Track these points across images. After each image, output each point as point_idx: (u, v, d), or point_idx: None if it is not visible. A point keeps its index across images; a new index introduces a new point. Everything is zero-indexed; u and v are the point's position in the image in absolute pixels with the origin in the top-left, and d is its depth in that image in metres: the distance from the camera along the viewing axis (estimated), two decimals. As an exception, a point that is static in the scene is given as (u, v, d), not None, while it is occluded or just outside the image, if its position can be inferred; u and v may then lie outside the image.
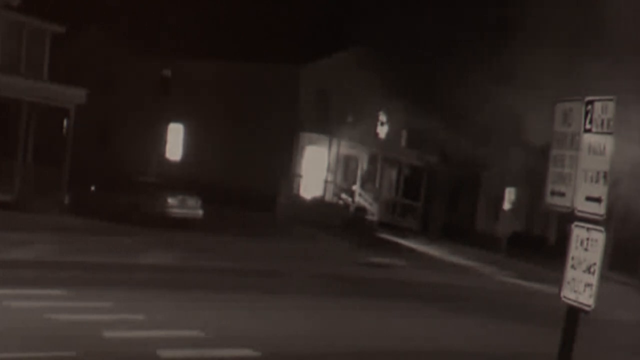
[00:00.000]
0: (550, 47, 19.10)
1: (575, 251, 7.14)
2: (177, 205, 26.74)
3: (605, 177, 6.86)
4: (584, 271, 7.01)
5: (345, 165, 38.63)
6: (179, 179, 31.88)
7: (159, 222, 25.43)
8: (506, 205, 34.24)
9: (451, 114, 34.97)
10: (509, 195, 34.11)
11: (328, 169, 36.91)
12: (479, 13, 30.29)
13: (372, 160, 39.38)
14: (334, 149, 37.04)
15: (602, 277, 6.96)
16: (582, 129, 7.15)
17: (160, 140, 39.01)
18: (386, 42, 32.59)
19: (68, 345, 10.44)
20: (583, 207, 7.10)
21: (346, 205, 35.99)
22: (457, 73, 32.50)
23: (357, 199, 36.74)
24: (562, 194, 7.41)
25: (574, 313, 7.17)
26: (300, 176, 36.57)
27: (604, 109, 6.93)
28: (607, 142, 6.88)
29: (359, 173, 38.35)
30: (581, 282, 7.03)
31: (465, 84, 33.45)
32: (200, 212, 27.38)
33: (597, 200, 6.93)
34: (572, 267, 7.16)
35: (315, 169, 36.73)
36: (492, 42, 30.12)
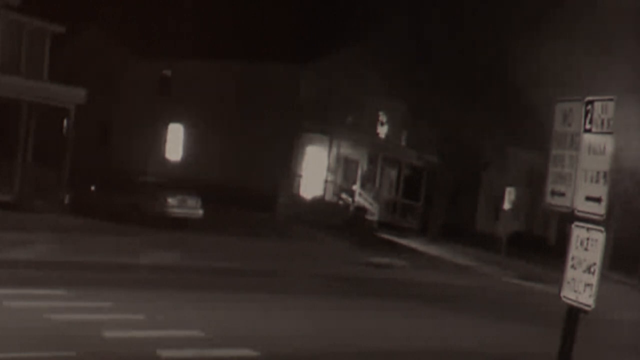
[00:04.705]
0: (551, 45, 19.11)
1: (575, 251, 7.14)
2: (177, 205, 26.73)
3: (605, 177, 6.86)
4: (584, 271, 7.01)
5: (345, 165, 38.61)
6: (179, 179, 31.85)
7: (158, 222, 25.42)
8: (506, 205, 34.16)
9: (452, 113, 34.99)
10: (509, 195, 34.02)
11: (328, 169, 36.89)
12: (479, 12, 30.29)
13: (372, 160, 39.36)
14: (334, 149, 37.03)
15: (602, 277, 6.96)
16: (582, 129, 7.15)
17: (160, 140, 38.99)
18: (386, 42, 32.58)
19: (68, 345, 10.44)
20: (583, 207, 7.09)
21: (346, 205, 35.97)
22: (458, 72, 32.54)
23: (357, 198, 36.73)
24: (562, 194, 7.40)
25: (574, 313, 7.17)
26: (300, 176, 36.56)
27: (604, 109, 6.93)
28: (607, 142, 6.88)
29: (359, 173, 38.34)
30: (581, 282, 7.03)
31: (465, 82, 33.50)
32: (200, 212, 27.38)
33: (597, 200, 6.92)
34: (572, 267, 7.16)
35: (315, 169, 36.72)
36: (492, 41, 30.15)
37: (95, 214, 25.33)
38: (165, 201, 26.41)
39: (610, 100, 6.88)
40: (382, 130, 40.63)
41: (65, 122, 27.42)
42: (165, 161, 38.15)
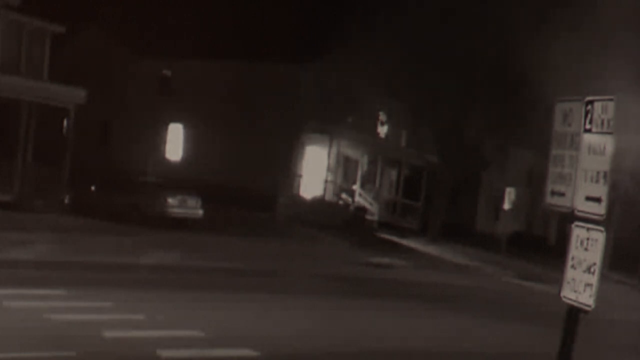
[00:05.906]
0: (553, 44, 19.07)
1: (575, 251, 7.14)
2: (177, 205, 26.74)
3: (605, 177, 6.86)
4: (584, 271, 7.01)
5: (345, 165, 38.61)
6: (179, 179, 31.85)
7: (159, 222, 25.43)
8: (506, 205, 34.17)
9: (452, 113, 34.97)
10: (509, 195, 34.03)
11: (328, 169, 36.89)
12: (479, 11, 30.28)
13: (372, 160, 39.36)
14: (334, 149, 37.03)
15: (602, 277, 6.95)
16: (582, 129, 7.15)
17: (160, 140, 39.00)
18: (386, 42, 32.56)
19: (68, 345, 10.44)
20: (583, 207, 7.09)
21: (346, 205, 35.97)
22: (458, 71, 32.52)
23: (357, 198, 36.73)
24: (562, 194, 7.40)
25: (574, 313, 7.17)
26: (300, 176, 36.55)
27: (604, 109, 6.93)
28: (607, 142, 6.88)
29: (359, 173, 38.34)
30: (581, 282, 7.03)
31: (465, 82, 33.48)
32: (200, 212, 27.38)
33: (597, 200, 6.92)
34: (572, 267, 7.16)
35: (315, 169, 36.71)
36: (492, 40, 30.14)
37: (95, 214, 25.33)
38: (165, 201, 26.42)
39: (610, 100, 6.88)
40: (382, 130, 40.62)
41: (65, 122, 27.42)
42: (165, 161, 38.14)
